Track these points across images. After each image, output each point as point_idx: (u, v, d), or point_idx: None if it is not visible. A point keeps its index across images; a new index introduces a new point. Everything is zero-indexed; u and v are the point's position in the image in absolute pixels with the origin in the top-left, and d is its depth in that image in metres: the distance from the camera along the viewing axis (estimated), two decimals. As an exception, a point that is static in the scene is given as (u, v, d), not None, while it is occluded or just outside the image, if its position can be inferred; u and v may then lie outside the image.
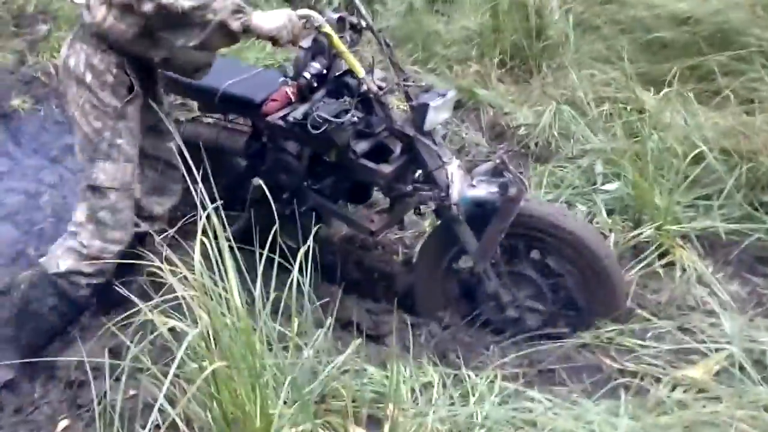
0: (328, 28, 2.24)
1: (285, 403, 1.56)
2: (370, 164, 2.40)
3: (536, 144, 3.68)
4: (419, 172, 2.48)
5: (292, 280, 1.71)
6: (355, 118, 2.34)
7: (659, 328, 2.27)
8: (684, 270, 2.53)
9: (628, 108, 3.47)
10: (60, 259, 2.23)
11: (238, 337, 1.50)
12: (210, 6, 2.00)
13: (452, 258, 2.49)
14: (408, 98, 2.44)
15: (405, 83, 2.42)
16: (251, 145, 2.68)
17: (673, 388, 2.03)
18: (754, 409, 1.65)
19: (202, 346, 1.47)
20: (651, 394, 2.02)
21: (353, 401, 1.86)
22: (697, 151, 2.92)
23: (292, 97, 2.51)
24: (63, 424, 2.17)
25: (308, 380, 1.73)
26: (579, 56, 4.29)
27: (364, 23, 2.45)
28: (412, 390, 2.07)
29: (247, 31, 2.07)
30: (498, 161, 2.29)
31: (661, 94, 3.39)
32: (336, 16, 2.38)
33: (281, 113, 2.48)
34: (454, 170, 2.30)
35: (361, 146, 2.42)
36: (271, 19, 2.07)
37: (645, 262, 2.62)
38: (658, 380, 2.08)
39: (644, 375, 2.11)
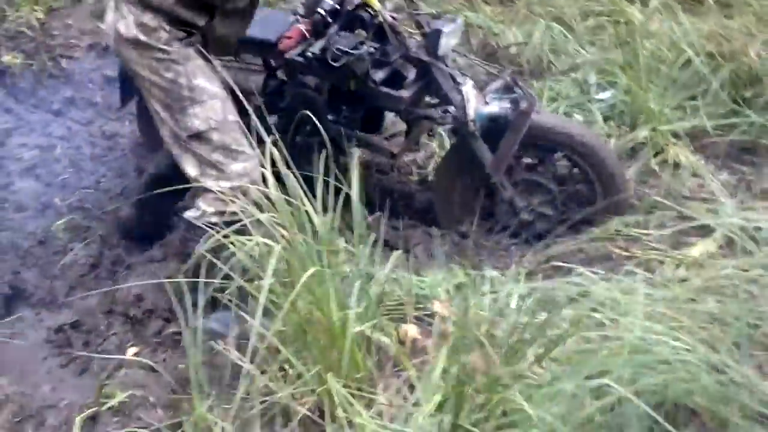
0: None
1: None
2: (390, 91, 2.57)
3: (528, 62, 3.86)
4: (432, 96, 2.66)
5: (347, 198, 1.90)
6: (372, 49, 2.49)
7: (660, 217, 2.52)
8: (678, 165, 2.78)
9: (616, 20, 3.65)
10: (206, 209, 2.19)
11: (316, 248, 1.70)
12: None
13: (469, 172, 2.70)
14: (419, 26, 2.60)
15: (415, 12, 2.58)
16: (268, 83, 2.81)
17: (678, 266, 2.29)
18: (758, 269, 1.88)
19: (284, 261, 1.68)
20: (658, 273, 2.28)
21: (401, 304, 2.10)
22: (683, 57, 3.13)
23: (307, 34, 2.63)
24: (132, 350, 2.38)
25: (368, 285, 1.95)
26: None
27: None
28: (447, 291, 2.32)
29: None
30: (508, 78, 2.48)
31: (650, 5, 3.56)
32: None
33: (298, 50, 2.62)
34: (468, 90, 2.49)
35: (379, 75, 2.57)
36: None
37: (642, 161, 2.86)
38: (662, 263, 2.33)
39: (651, 259, 2.35)
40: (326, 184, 1.92)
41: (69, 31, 4.99)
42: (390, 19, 2.46)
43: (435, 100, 2.63)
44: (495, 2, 4.49)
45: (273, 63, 2.78)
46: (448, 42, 2.51)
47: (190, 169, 2.21)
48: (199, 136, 2.17)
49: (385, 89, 2.57)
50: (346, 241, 2.10)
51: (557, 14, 3.98)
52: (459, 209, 2.76)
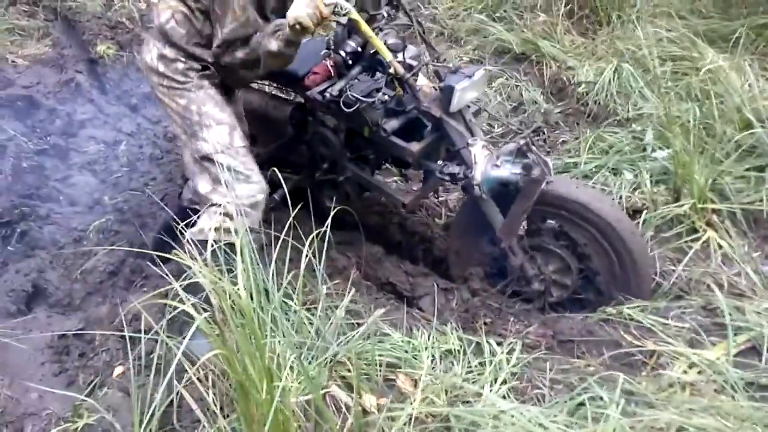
0: (354, 14, 2.25)
1: (291, 372, 1.70)
2: (400, 142, 2.47)
3: (596, 103, 3.62)
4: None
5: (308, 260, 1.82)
6: (386, 97, 2.42)
7: (684, 306, 2.28)
8: (718, 248, 2.50)
9: (694, 68, 3.34)
10: (205, 226, 2.28)
11: (242, 322, 1.64)
12: (257, 45, 2.21)
13: (481, 230, 2.55)
14: (438, 77, 2.51)
15: (435, 63, 2.48)
16: (295, 115, 2.80)
17: (690, 367, 2.05)
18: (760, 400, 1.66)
19: (216, 326, 1.62)
20: (666, 373, 2.06)
21: (370, 365, 2.00)
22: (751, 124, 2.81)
23: (332, 72, 2.58)
24: (119, 370, 2.41)
25: (323, 350, 1.87)
26: (653, 8, 4.13)
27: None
28: (432, 357, 2.19)
29: (289, 39, 2.15)
30: (522, 143, 2.32)
31: (725, 58, 3.24)
32: None
33: (320, 88, 2.58)
34: (478, 151, 2.34)
35: (392, 124, 2.48)
36: (295, 8, 2.09)
37: (679, 237, 2.61)
38: (675, 359, 2.10)
39: (662, 354, 2.13)
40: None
41: (165, 25, 5.14)
42: (402, 71, 2.34)
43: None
44: (577, 33, 4.24)
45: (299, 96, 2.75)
46: (462, 98, 2.37)
47: (203, 186, 2.36)
48: (208, 158, 2.33)
49: (394, 140, 2.47)
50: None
51: (636, 53, 3.70)
52: (472, 266, 2.62)
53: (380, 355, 2.12)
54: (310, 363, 1.84)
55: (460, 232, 2.63)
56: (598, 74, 3.70)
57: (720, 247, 2.50)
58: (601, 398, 1.88)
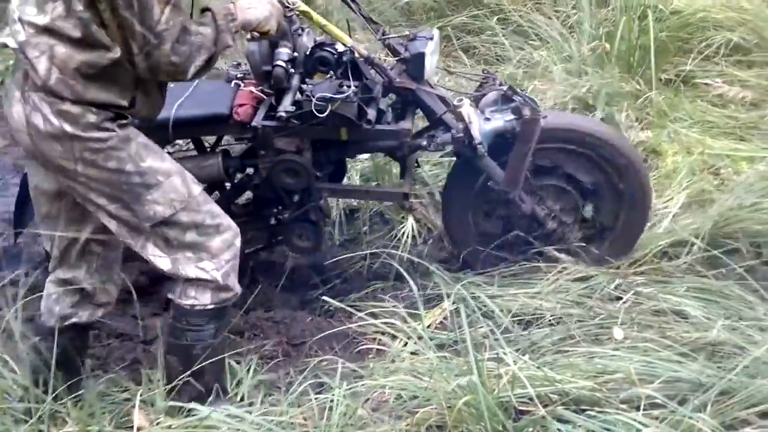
0: (303, 6, 2.14)
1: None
2: (390, 127, 2.35)
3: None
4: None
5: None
6: (354, 88, 2.25)
7: (399, 289, 2.51)
8: (418, 231, 2.79)
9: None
10: (201, 299, 1.94)
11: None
12: (203, 39, 1.80)
13: (478, 191, 2.54)
14: (394, 52, 2.40)
15: (386, 36, 2.39)
16: (231, 162, 2.48)
17: (407, 341, 2.23)
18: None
19: None
20: (389, 351, 2.23)
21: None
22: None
23: (262, 96, 2.38)
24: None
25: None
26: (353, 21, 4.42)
27: None
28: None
29: (235, 33, 1.90)
30: (505, 88, 2.33)
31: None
32: None
33: (262, 114, 2.34)
34: (468, 110, 2.29)
35: (372, 113, 2.30)
36: (256, 11, 1.91)
37: (391, 226, 2.89)
38: (394, 337, 2.28)
39: (383, 333, 2.31)
40: None
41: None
42: (365, 52, 2.24)
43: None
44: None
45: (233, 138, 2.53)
46: (431, 63, 2.33)
47: (161, 262, 1.91)
48: (165, 223, 1.87)
49: (383, 127, 2.34)
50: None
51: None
52: (473, 231, 2.59)
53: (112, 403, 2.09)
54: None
55: (456, 198, 2.57)
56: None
57: (423, 227, 2.78)
58: (329, 386, 2.01)
